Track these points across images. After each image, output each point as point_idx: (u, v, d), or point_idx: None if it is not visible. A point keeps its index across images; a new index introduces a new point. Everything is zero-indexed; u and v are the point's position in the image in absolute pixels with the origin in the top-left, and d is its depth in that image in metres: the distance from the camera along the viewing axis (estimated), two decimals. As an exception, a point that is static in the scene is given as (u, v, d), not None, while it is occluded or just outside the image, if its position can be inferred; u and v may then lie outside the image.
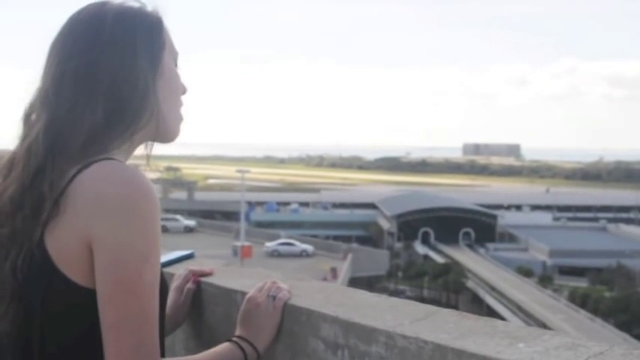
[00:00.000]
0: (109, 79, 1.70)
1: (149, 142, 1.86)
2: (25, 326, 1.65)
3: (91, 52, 1.71)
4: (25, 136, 1.72)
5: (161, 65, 1.81)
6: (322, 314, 1.86)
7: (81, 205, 1.59)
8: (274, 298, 1.96)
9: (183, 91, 1.91)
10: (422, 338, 1.61)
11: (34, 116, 1.73)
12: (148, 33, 1.80)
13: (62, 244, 1.61)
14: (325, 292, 2.05)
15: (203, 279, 2.30)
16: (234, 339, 1.93)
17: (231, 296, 2.17)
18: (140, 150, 1.86)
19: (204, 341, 2.25)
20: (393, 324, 1.70)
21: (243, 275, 2.33)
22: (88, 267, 1.61)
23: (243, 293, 2.06)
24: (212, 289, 2.26)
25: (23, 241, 1.63)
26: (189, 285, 2.28)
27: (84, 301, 1.62)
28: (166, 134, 1.85)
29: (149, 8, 1.84)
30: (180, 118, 1.90)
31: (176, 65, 1.89)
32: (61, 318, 1.64)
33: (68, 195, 1.61)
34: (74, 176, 1.62)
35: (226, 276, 2.32)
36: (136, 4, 1.82)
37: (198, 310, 2.30)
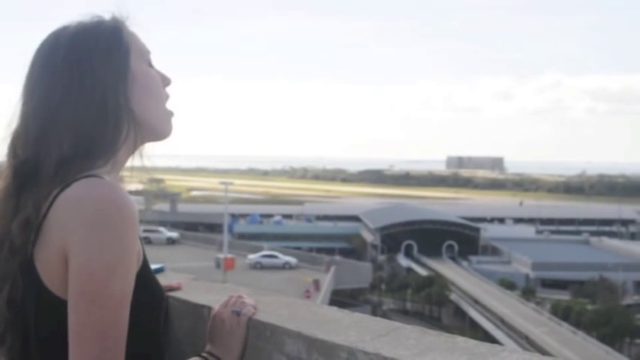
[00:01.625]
0: (72, 104, 1.72)
1: (136, 152, 1.88)
2: (23, 353, 1.72)
3: (49, 84, 1.74)
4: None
5: (130, 73, 1.81)
6: (286, 330, 1.85)
7: (60, 221, 1.63)
8: (238, 313, 1.95)
9: (167, 83, 1.92)
10: (382, 355, 1.61)
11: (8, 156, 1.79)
12: (106, 48, 1.79)
13: (47, 262, 1.65)
14: (290, 307, 2.05)
15: (171, 293, 2.29)
16: (204, 354, 1.92)
17: (198, 311, 2.16)
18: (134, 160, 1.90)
19: (170, 356, 2.24)
20: (355, 340, 1.70)
21: (211, 290, 2.33)
22: (66, 280, 1.65)
23: (210, 308, 2.06)
24: (179, 304, 2.24)
25: (11, 276, 1.68)
26: None
27: None
28: (157, 134, 1.89)
29: (107, 17, 1.86)
30: (167, 114, 1.91)
31: (150, 64, 1.89)
32: (54, 335, 1.67)
33: (50, 215, 1.65)
34: (55, 197, 1.65)
35: (194, 290, 2.31)
36: (92, 20, 1.83)
37: (166, 325, 2.29)
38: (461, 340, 1.69)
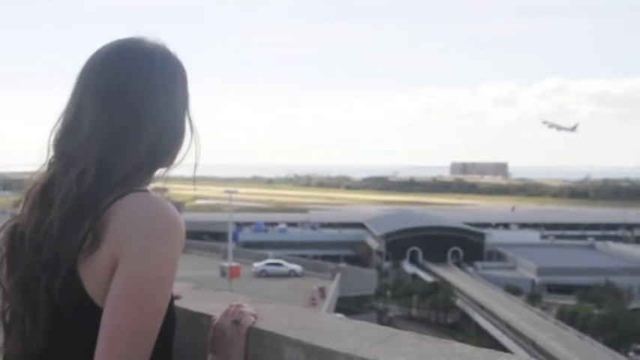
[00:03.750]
0: (154, 117, 1.82)
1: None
2: (57, 347, 1.73)
3: (143, 89, 1.82)
4: (67, 167, 1.78)
5: (188, 99, 1.95)
6: (285, 338, 1.87)
7: (112, 232, 1.68)
8: (238, 323, 1.96)
9: None
10: (380, 361, 1.63)
11: (70, 146, 1.80)
12: (184, 76, 1.93)
13: (93, 270, 1.69)
14: (290, 315, 2.06)
15: (170, 302, 2.29)
16: None
17: (198, 320, 2.17)
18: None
19: (171, 365, 2.24)
20: (353, 347, 1.72)
21: (211, 298, 2.33)
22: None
23: (210, 317, 2.07)
24: (179, 313, 2.23)
25: (61, 267, 1.69)
26: None
27: None
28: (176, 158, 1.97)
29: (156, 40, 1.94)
30: None
31: None
32: (89, 341, 1.68)
33: (101, 223, 1.70)
34: (108, 205, 1.71)
35: (194, 299, 2.32)
36: (160, 42, 1.93)
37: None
38: (458, 346, 1.72)
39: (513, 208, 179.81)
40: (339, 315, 2.13)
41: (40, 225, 1.76)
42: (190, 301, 2.29)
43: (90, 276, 1.69)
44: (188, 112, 1.93)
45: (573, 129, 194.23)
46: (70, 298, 1.69)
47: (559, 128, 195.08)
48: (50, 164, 1.85)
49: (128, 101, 1.80)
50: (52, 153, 1.85)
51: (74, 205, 1.73)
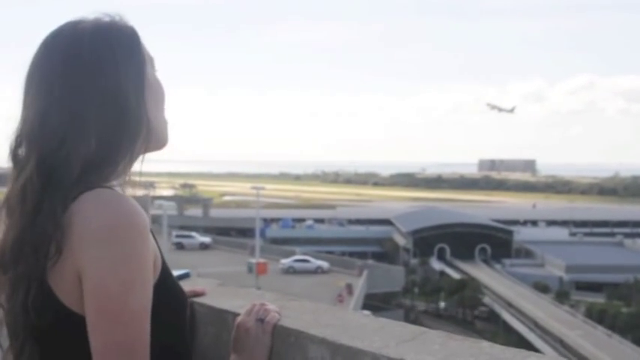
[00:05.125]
0: (96, 104, 1.65)
1: (142, 157, 1.79)
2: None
3: (73, 79, 1.66)
4: (17, 176, 1.67)
5: (146, 77, 1.76)
6: (310, 335, 1.84)
7: (70, 239, 1.57)
8: (263, 321, 1.93)
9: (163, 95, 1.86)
10: (406, 360, 1.63)
11: (22, 152, 1.69)
12: (129, 48, 1.74)
13: (59, 276, 1.59)
14: (315, 312, 2.03)
15: (196, 299, 2.27)
16: None
17: (222, 317, 2.14)
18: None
19: (195, 362, 2.22)
20: (379, 345, 1.70)
21: (236, 295, 2.30)
22: (83, 297, 1.60)
23: (235, 314, 2.04)
24: (204, 310, 2.23)
25: (30, 281, 1.60)
26: None
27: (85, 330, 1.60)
28: (158, 142, 1.82)
29: (119, 20, 1.78)
30: (166, 123, 1.85)
31: (155, 70, 1.84)
32: (71, 349, 1.63)
33: (61, 230, 1.58)
34: (65, 209, 1.60)
35: (219, 296, 2.30)
36: (107, 19, 1.76)
37: (192, 331, 2.27)
38: (486, 345, 1.68)
39: (534, 205, 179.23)
40: (366, 312, 2.08)
41: (6, 237, 1.66)
42: (215, 297, 2.28)
43: (59, 284, 1.60)
44: (143, 89, 1.74)
45: (512, 110, 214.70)
46: (45, 311, 1.60)
47: (500, 110, 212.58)
48: None
49: (59, 99, 1.65)
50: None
51: (32, 214, 1.61)
